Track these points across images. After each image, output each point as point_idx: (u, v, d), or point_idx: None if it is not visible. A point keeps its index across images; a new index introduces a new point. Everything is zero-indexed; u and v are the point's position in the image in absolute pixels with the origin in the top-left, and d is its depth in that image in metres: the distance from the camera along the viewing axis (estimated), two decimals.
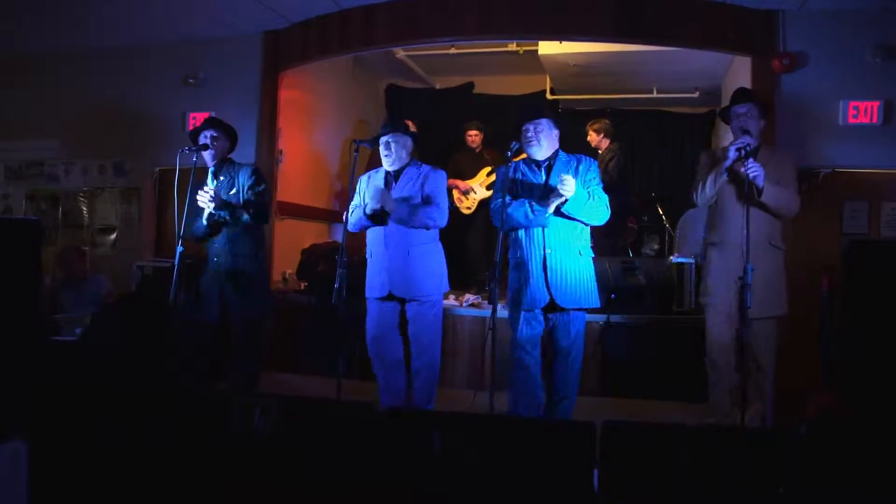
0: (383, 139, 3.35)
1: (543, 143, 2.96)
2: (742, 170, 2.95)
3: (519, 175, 3.03)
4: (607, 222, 5.05)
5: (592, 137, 5.41)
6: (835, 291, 3.57)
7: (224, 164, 3.57)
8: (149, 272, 4.38)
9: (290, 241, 5.00)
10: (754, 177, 2.96)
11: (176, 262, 3.07)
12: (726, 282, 3.02)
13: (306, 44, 5.01)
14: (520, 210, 2.99)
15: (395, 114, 6.23)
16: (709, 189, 3.04)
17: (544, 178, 2.98)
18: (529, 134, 2.94)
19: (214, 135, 3.52)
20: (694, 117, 6.97)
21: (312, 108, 5.84)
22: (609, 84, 6.57)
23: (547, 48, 5.70)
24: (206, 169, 3.55)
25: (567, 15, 4.44)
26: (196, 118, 5.00)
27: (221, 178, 3.49)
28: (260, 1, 4.52)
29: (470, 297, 4.63)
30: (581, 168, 3.00)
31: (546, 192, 2.93)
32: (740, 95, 3.23)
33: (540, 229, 2.91)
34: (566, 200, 2.83)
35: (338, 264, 2.87)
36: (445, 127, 6.88)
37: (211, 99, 5.04)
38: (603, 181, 4.92)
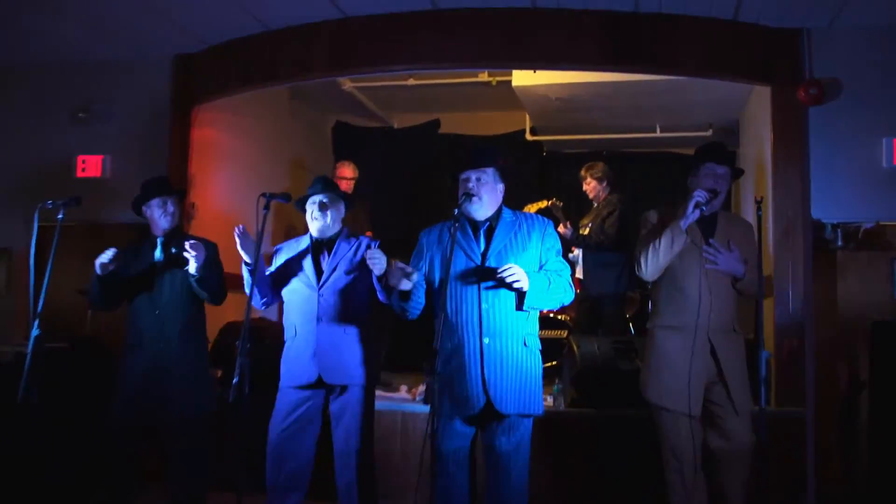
0: (315, 198, 3.29)
1: (486, 198, 2.83)
2: (707, 256, 3.00)
3: (445, 238, 2.88)
4: (603, 293, 5.00)
5: (591, 186, 5.30)
6: (857, 383, 3.72)
7: (176, 234, 3.53)
8: (9, 359, 4.04)
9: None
10: (720, 267, 3.02)
11: (29, 349, 2.92)
12: (690, 379, 2.93)
13: (226, 72, 4.88)
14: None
15: (344, 157, 6.23)
16: (662, 256, 2.96)
17: (483, 247, 2.85)
18: (471, 185, 2.81)
19: (172, 210, 3.49)
20: None
21: (235, 151, 5.68)
22: (602, 122, 6.56)
23: (521, 78, 5.67)
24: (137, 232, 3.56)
25: (539, 38, 4.37)
26: (86, 162, 4.85)
27: (173, 250, 3.44)
28: (166, 17, 4.33)
29: (403, 390, 4.57)
30: (534, 235, 2.83)
31: (483, 274, 2.78)
32: (721, 154, 3.15)
33: (475, 310, 2.76)
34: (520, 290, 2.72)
35: (238, 351, 2.76)
36: (405, 173, 6.98)
37: (106, 139, 4.85)
38: (600, 241, 5.05)
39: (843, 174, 4.15)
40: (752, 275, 3.11)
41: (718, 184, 3.09)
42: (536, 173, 7.22)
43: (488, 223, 2.87)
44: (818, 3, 4.01)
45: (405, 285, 2.73)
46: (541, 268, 2.85)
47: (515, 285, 2.68)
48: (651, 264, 3.03)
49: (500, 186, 2.91)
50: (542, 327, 5.91)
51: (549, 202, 5.40)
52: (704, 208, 2.95)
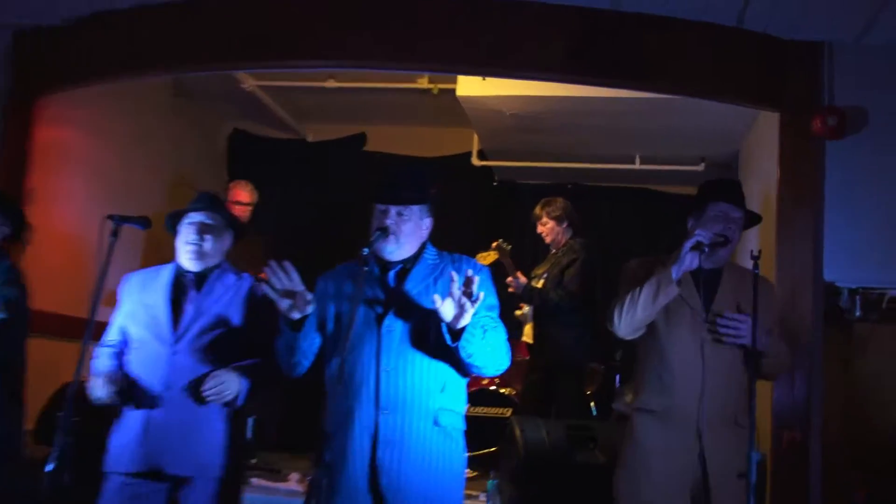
0: (194, 217, 3.25)
1: (405, 237, 2.83)
2: (722, 330, 3.05)
3: (345, 286, 2.87)
4: (559, 363, 5.17)
5: (547, 227, 5.35)
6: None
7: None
8: None
9: (38, 376, 4.43)
10: (734, 340, 3.05)
11: None
12: (676, 479, 2.97)
13: (83, 55, 4.70)
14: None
15: (241, 175, 6.22)
16: (642, 308, 3.00)
17: (387, 293, 2.83)
18: (389, 220, 2.80)
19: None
20: None
21: (94, 159, 5.54)
22: (568, 147, 6.66)
23: (469, 87, 5.71)
24: None
25: (492, 35, 4.35)
26: None
27: None
28: None
29: (294, 479, 4.46)
30: (459, 278, 2.75)
31: (392, 305, 2.80)
32: (737, 194, 3.20)
33: (371, 372, 2.71)
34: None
35: (59, 425, 2.70)
36: (318, 200, 7.03)
37: None
38: (557, 297, 5.14)
39: (866, 226, 4.16)
40: (777, 349, 3.10)
41: (730, 230, 3.07)
42: (484, 208, 7.32)
43: (401, 265, 2.85)
44: (844, 9, 4.02)
45: (296, 313, 2.69)
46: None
47: (444, 315, 2.59)
48: (627, 317, 3.04)
49: (427, 222, 2.90)
50: (476, 402, 5.62)
51: (494, 245, 5.38)
52: (706, 250, 2.96)
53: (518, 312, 5.49)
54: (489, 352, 2.73)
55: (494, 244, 5.38)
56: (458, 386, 2.85)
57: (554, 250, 5.37)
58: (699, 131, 5.98)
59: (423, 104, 6.54)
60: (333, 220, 6.90)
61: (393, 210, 2.81)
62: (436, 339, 2.67)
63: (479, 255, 5.54)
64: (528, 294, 5.18)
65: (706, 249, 2.96)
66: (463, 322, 2.59)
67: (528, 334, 5.42)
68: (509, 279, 5.13)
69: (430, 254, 2.91)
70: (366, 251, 2.71)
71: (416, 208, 2.83)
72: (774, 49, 4.31)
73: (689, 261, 2.98)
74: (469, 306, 2.56)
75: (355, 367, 2.75)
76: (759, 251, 2.90)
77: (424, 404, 2.75)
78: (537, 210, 5.39)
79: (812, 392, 4.06)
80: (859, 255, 4.13)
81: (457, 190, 7.02)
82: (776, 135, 4.39)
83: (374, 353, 2.73)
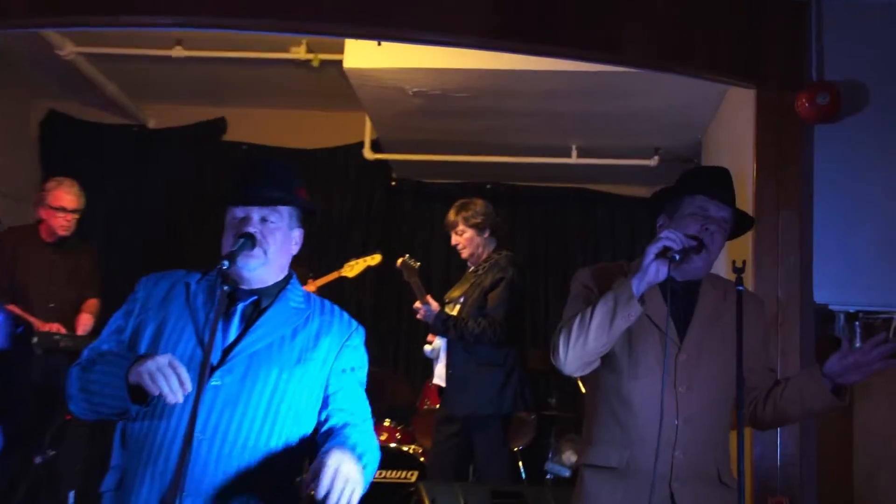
0: None
1: (272, 255, 2.82)
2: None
3: (177, 302, 2.86)
4: (478, 412, 5.14)
5: (465, 237, 5.38)
6: None
7: None
8: None
9: None
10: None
11: None
12: None
13: None
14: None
15: (61, 170, 6.13)
16: (595, 335, 2.97)
17: (234, 335, 2.79)
18: (251, 227, 2.78)
19: None
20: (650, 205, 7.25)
21: None
22: (487, 137, 6.70)
23: (358, 57, 5.67)
24: None
25: None
26: None
27: None
28: None
29: None
30: (323, 342, 2.83)
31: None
32: (722, 185, 3.16)
33: (178, 438, 2.64)
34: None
35: None
36: (163, 203, 6.98)
37: None
38: (477, 328, 5.13)
39: (867, 233, 4.16)
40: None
41: (707, 232, 3.00)
42: (378, 214, 7.43)
43: (256, 297, 2.82)
44: None
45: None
46: (325, 400, 2.81)
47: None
48: (575, 347, 2.98)
49: (297, 234, 2.89)
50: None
51: (399, 262, 5.37)
52: (676, 257, 2.87)
53: (427, 347, 5.45)
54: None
55: (400, 261, 5.37)
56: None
57: (472, 267, 5.38)
58: (652, 116, 6.04)
59: (300, 80, 6.56)
60: (181, 230, 6.92)
61: (255, 215, 2.75)
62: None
63: (349, 265, 5.65)
64: (440, 324, 5.16)
65: (676, 257, 2.87)
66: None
67: (439, 375, 5.34)
68: (417, 304, 5.14)
69: (296, 293, 2.89)
70: (225, 265, 2.64)
71: (284, 213, 2.81)
72: (751, 10, 4.37)
73: (655, 271, 2.88)
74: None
75: (155, 431, 2.68)
76: (744, 262, 2.87)
77: (251, 480, 2.68)
78: (451, 215, 5.38)
79: (804, 446, 4.06)
80: (858, 270, 4.14)
81: (344, 192, 7.19)
82: (751, 118, 4.41)
83: (188, 415, 2.60)
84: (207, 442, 2.66)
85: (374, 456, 2.75)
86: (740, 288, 2.84)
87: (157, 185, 7.17)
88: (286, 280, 2.87)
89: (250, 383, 2.70)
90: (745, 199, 4.44)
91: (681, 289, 3.04)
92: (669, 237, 2.87)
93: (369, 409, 2.85)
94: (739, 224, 3.17)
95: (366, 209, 7.33)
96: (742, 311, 2.86)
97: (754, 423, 3.17)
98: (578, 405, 5.98)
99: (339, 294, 5.64)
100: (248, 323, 2.78)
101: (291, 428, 2.71)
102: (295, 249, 2.88)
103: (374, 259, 5.81)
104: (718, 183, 3.11)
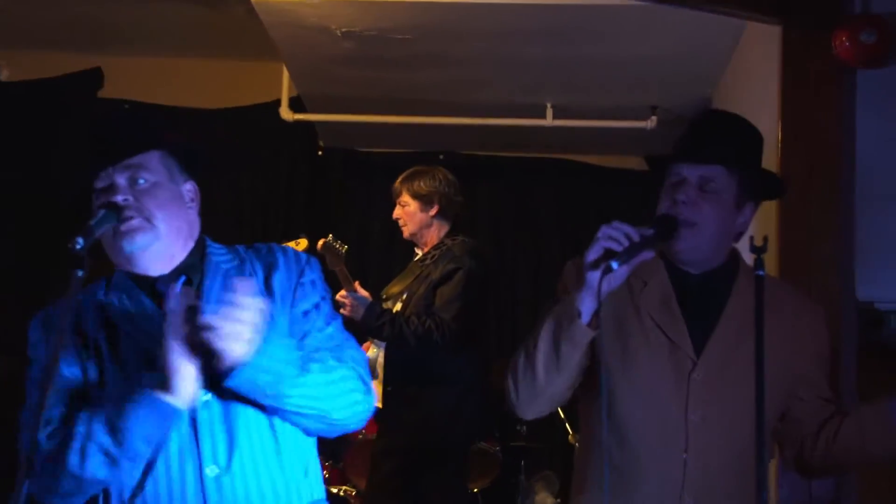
0: None
1: (161, 221, 2.82)
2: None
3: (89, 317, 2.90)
4: (427, 442, 5.18)
5: (408, 211, 5.45)
6: None
7: None
8: None
9: None
10: None
11: None
12: None
13: None
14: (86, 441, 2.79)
15: None
16: (543, 370, 2.99)
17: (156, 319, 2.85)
18: (120, 196, 2.76)
19: None
20: (647, 179, 7.27)
21: None
22: (437, 92, 6.77)
23: None
24: None
25: None
26: None
27: None
28: None
29: None
30: (275, 284, 2.92)
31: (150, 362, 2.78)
32: (710, 138, 3.13)
33: (194, 478, 2.73)
34: (235, 369, 2.70)
35: None
36: (22, 173, 7.10)
37: None
38: (424, 330, 5.15)
39: None
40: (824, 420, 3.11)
41: (686, 203, 2.97)
42: (303, 190, 7.59)
43: (184, 276, 2.87)
44: None
45: None
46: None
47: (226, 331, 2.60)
48: (524, 387, 3.02)
49: (188, 188, 2.89)
50: None
51: (320, 244, 5.47)
52: (615, 265, 2.80)
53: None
54: (309, 395, 2.77)
55: (321, 243, 5.44)
56: (307, 452, 2.95)
57: (419, 253, 5.39)
58: (648, 65, 6.07)
59: (198, 20, 6.58)
60: (42, 210, 6.87)
61: (120, 178, 2.73)
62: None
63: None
64: (372, 318, 5.12)
65: (613, 264, 2.79)
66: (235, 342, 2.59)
67: (376, 395, 5.37)
68: (341, 295, 5.10)
69: (216, 251, 2.93)
70: (79, 244, 2.57)
71: (157, 167, 2.79)
72: None
73: (599, 281, 2.82)
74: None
75: (154, 479, 2.76)
76: (766, 239, 2.69)
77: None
78: (397, 182, 5.44)
79: (842, 489, 4.07)
80: None
81: (257, 164, 7.34)
82: (775, 64, 4.43)
83: (191, 450, 2.73)
84: (227, 473, 2.74)
85: (345, 373, 2.79)
86: (760, 273, 2.66)
87: (8, 155, 7.14)
88: (201, 243, 2.90)
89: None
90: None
91: (699, 285, 3.02)
92: (609, 234, 2.82)
93: (352, 340, 2.89)
94: (755, 186, 3.07)
95: (286, 185, 7.38)
96: (762, 303, 2.68)
97: (801, 469, 3.15)
98: (555, 433, 5.99)
99: None
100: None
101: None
102: (193, 207, 2.88)
103: (299, 245, 5.64)
104: (693, 135, 3.07)
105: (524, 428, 6.15)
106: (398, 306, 5.21)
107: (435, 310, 5.09)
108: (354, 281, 5.27)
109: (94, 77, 7.36)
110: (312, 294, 2.92)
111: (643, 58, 5.98)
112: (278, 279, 2.91)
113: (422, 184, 5.38)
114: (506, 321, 7.38)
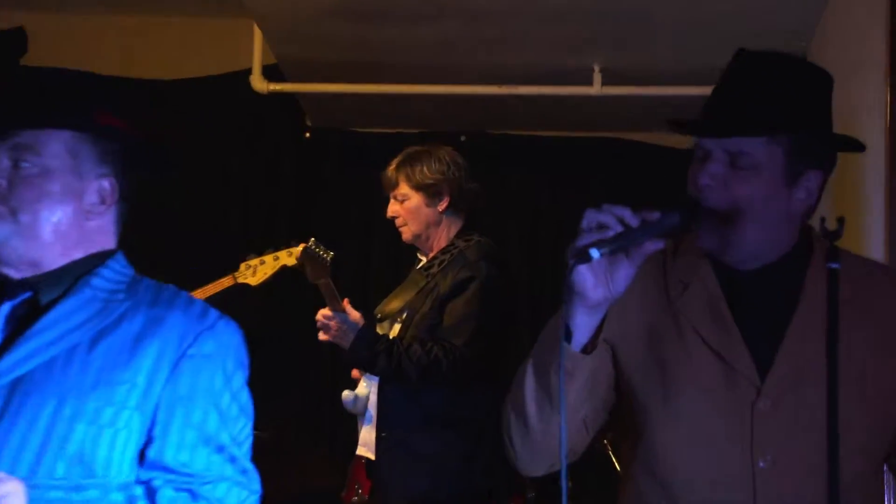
0: None
1: (35, 221, 2.84)
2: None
3: None
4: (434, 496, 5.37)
5: (403, 205, 5.43)
6: None
7: None
8: None
9: None
10: None
11: None
12: None
13: None
14: None
15: None
16: (536, 416, 2.96)
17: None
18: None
19: None
20: None
21: None
22: (450, 54, 6.88)
23: None
24: None
25: None
26: None
27: None
28: None
29: None
30: (151, 350, 2.81)
31: None
32: (739, 83, 3.10)
33: None
34: None
35: None
36: None
37: None
38: (431, 361, 5.19)
39: None
40: None
41: (710, 186, 2.93)
42: (287, 183, 7.82)
43: (31, 292, 2.84)
44: None
45: None
46: (147, 451, 2.80)
47: None
48: (517, 435, 3.02)
49: (103, 186, 2.85)
50: None
51: (300, 248, 5.45)
52: (595, 254, 2.67)
53: (347, 393, 5.48)
54: None
55: (300, 249, 5.43)
56: None
57: (422, 262, 5.37)
58: (727, 16, 6.09)
59: None
60: None
61: (3, 157, 2.77)
62: None
63: (247, 265, 5.67)
64: (363, 347, 5.07)
65: (594, 253, 2.67)
66: None
67: (365, 442, 5.40)
68: (322, 314, 5.06)
69: (110, 275, 2.89)
70: None
71: (55, 148, 2.77)
72: None
73: (584, 285, 2.73)
74: None
75: None
76: (841, 221, 2.70)
77: None
78: (390, 170, 5.39)
79: None
80: None
81: (227, 149, 7.46)
82: (882, 12, 4.64)
83: None
84: None
85: None
86: (834, 266, 2.62)
87: None
88: (96, 259, 2.84)
89: (7, 427, 2.69)
90: (873, 138, 4.73)
91: (756, 283, 2.96)
92: (598, 219, 2.69)
93: (237, 469, 2.81)
94: (819, 146, 3.01)
95: (266, 175, 7.49)
96: (836, 305, 2.65)
97: None
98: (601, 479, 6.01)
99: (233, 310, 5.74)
100: (14, 331, 2.76)
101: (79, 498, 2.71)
102: (101, 211, 2.83)
103: (292, 255, 5.70)
104: (717, 95, 3.02)
105: (531, 493, 5.99)
106: (396, 328, 5.17)
107: (443, 332, 5.02)
108: (343, 298, 5.16)
109: (16, 39, 7.13)
110: (202, 375, 2.84)
111: (718, 8, 6.03)
112: (157, 344, 2.82)
113: (425, 169, 5.30)
114: (529, 345, 7.22)
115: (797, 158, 2.94)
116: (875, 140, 5.06)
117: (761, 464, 2.85)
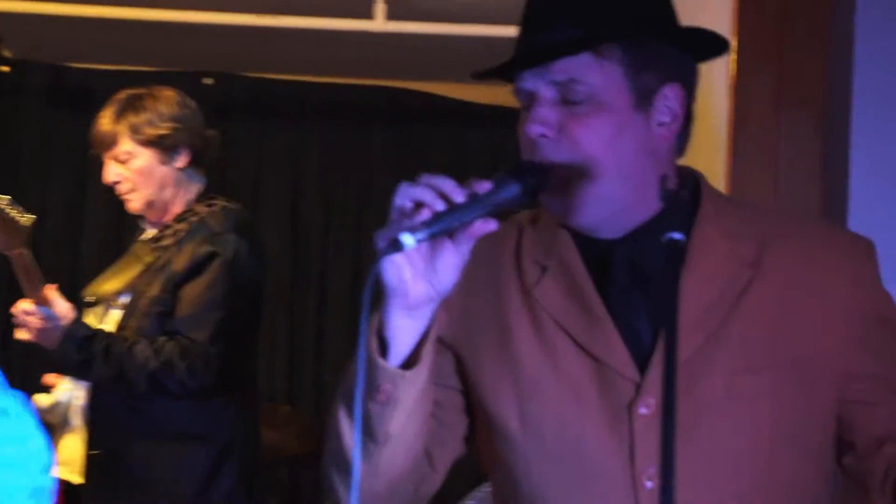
0: None
1: None
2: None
3: None
4: None
5: (128, 165, 5.40)
6: None
7: None
8: None
9: None
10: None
11: None
12: None
13: None
14: None
15: None
16: (351, 442, 2.96)
17: None
18: None
19: None
20: None
21: None
22: None
23: None
24: None
25: None
26: None
27: None
28: None
29: None
30: None
31: None
32: (536, 22, 3.09)
33: None
34: None
35: None
36: None
37: None
38: (154, 363, 5.34)
39: None
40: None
41: (550, 140, 2.88)
42: None
43: None
44: None
45: None
46: None
47: None
48: (336, 473, 3.00)
49: None
50: None
51: None
52: (412, 240, 2.62)
53: (45, 401, 5.44)
54: None
55: None
56: None
57: (148, 231, 5.40)
58: None
59: None
60: None
61: None
62: None
63: None
64: (73, 348, 5.05)
65: (404, 240, 2.61)
66: None
67: (67, 461, 5.37)
68: (20, 307, 5.04)
69: None
70: None
71: None
72: None
73: (399, 281, 2.72)
74: None
75: None
76: (665, 177, 2.82)
77: None
78: (105, 121, 5.29)
79: None
80: None
81: None
82: None
83: None
84: None
85: None
86: (676, 237, 2.40)
87: None
88: None
89: None
90: (718, 96, 4.86)
91: (625, 255, 2.93)
92: (413, 196, 2.65)
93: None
94: (668, 51, 2.95)
95: None
96: (678, 278, 2.51)
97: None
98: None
99: None
100: None
101: None
102: None
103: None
104: (526, 17, 2.96)
105: None
106: (114, 317, 5.14)
107: (178, 324, 5.02)
108: (47, 284, 5.11)
109: None
110: None
111: None
112: None
113: (154, 117, 5.25)
114: (303, 340, 7.61)
115: (641, 71, 2.87)
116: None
117: (648, 483, 2.83)
